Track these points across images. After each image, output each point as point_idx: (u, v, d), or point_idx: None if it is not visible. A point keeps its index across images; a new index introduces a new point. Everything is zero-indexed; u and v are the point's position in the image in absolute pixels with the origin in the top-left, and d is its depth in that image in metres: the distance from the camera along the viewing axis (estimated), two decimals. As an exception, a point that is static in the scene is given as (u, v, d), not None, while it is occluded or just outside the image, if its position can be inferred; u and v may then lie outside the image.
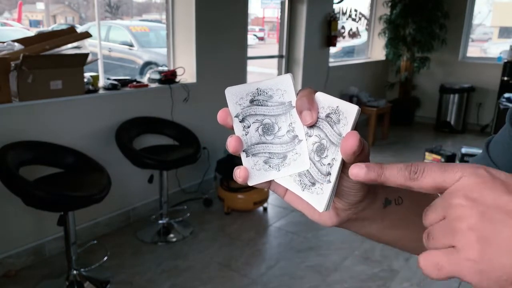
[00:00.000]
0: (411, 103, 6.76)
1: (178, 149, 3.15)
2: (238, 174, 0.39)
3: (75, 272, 2.45)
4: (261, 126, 0.39)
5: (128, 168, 2.95)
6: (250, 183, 0.40)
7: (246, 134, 0.39)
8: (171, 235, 3.11)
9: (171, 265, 2.73)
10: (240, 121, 0.39)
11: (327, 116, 0.36)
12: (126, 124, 3.00)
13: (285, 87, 0.38)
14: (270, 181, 0.40)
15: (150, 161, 2.82)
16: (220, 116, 0.40)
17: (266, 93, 0.39)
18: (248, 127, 0.39)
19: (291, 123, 0.38)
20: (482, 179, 0.29)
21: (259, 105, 0.39)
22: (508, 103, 4.63)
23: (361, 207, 0.42)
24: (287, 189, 0.41)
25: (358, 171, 0.33)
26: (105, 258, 2.75)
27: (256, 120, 0.39)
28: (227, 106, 0.40)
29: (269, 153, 0.39)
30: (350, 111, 0.35)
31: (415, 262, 2.82)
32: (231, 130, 0.40)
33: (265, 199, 3.51)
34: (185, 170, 3.44)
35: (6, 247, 2.58)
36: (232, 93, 0.39)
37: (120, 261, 2.75)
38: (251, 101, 0.39)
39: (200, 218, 3.41)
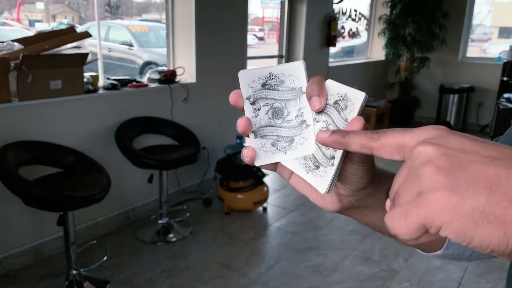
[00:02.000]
0: (411, 103, 6.76)
1: (177, 149, 3.15)
2: (246, 153, 0.41)
3: (74, 272, 2.45)
4: (271, 110, 0.40)
5: (127, 168, 2.95)
6: (257, 163, 0.41)
7: (256, 116, 0.40)
8: (171, 235, 3.11)
9: (170, 265, 2.73)
10: (251, 103, 0.40)
11: (335, 102, 0.37)
12: (126, 124, 3.00)
13: (297, 73, 0.39)
14: (276, 163, 0.41)
15: (149, 161, 2.82)
16: (232, 97, 0.41)
17: (278, 78, 0.40)
18: (259, 109, 0.40)
19: (300, 108, 0.39)
20: (443, 131, 0.29)
21: (271, 89, 0.40)
22: (507, 103, 4.63)
23: (363, 194, 0.43)
24: (292, 172, 0.42)
25: (323, 134, 0.35)
26: (105, 258, 2.75)
27: (267, 103, 0.40)
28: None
29: (277, 136, 0.40)
30: (357, 97, 0.36)
31: (415, 262, 2.82)
32: (235, 117, 0.41)
33: (264, 199, 3.51)
34: (184, 170, 3.44)
35: (6, 247, 2.57)
36: (245, 76, 0.40)
37: (119, 261, 2.75)
38: (263, 85, 0.40)
39: (199, 218, 3.41)
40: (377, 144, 0.32)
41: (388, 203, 0.31)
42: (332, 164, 0.38)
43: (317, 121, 0.39)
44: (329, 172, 0.38)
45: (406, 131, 0.31)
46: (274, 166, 0.42)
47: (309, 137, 0.40)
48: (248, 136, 0.41)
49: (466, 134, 0.29)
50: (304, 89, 0.39)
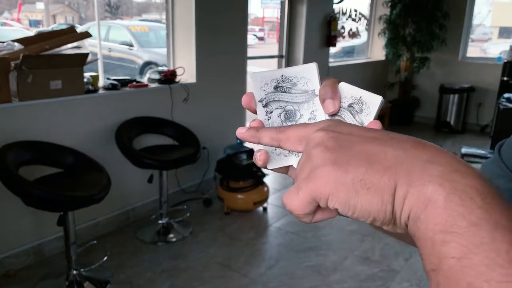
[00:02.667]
0: (411, 103, 6.76)
1: (178, 149, 3.15)
2: (259, 157, 0.40)
3: (75, 272, 2.45)
4: (284, 112, 0.40)
5: (128, 168, 2.95)
6: (270, 167, 0.41)
7: (268, 119, 0.40)
8: (171, 235, 3.11)
9: (171, 265, 2.73)
10: (264, 106, 0.40)
11: (350, 106, 0.37)
12: (126, 124, 3.00)
13: (310, 76, 0.39)
14: (288, 166, 0.41)
15: (149, 161, 2.82)
16: (245, 100, 0.41)
17: (291, 80, 0.40)
18: (271, 112, 0.40)
19: (313, 111, 0.39)
20: (337, 121, 0.34)
21: (283, 92, 0.40)
22: (508, 103, 4.63)
23: None
24: None
25: (240, 130, 0.38)
26: (105, 258, 2.75)
27: (279, 106, 0.40)
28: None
29: None
30: (373, 101, 0.36)
31: (415, 262, 2.82)
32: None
33: (265, 199, 3.51)
34: (185, 170, 3.44)
35: (6, 247, 2.58)
36: (258, 79, 0.40)
37: (120, 261, 2.75)
38: (275, 87, 0.40)
39: (200, 218, 3.41)
40: (283, 136, 0.35)
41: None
42: None
43: None
44: None
45: (307, 124, 0.35)
46: (286, 170, 0.42)
47: None
48: None
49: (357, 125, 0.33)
50: (317, 92, 0.39)
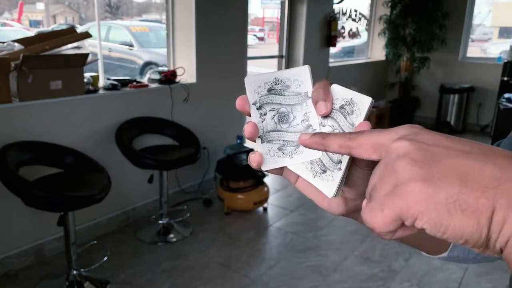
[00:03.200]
0: (411, 103, 6.76)
1: (178, 149, 3.15)
2: (253, 159, 0.41)
3: (75, 272, 2.46)
4: (277, 115, 0.40)
5: (128, 168, 2.95)
6: (264, 168, 0.41)
7: (262, 121, 0.41)
8: (171, 235, 3.11)
9: (171, 265, 2.73)
10: (257, 109, 0.41)
11: (341, 107, 0.38)
12: (126, 124, 3.00)
13: (302, 78, 0.39)
14: (283, 168, 0.42)
15: (150, 161, 2.82)
16: (239, 102, 0.41)
17: (284, 83, 0.40)
18: (265, 114, 0.41)
19: (306, 113, 0.40)
20: (419, 129, 0.30)
21: (276, 94, 0.40)
22: (508, 103, 4.63)
23: None
24: (298, 176, 0.43)
25: (304, 136, 0.36)
26: (105, 258, 2.75)
27: (273, 108, 0.40)
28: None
29: (283, 140, 0.41)
30: (363, 102, 0.36)
31: (415, 262, 2.82)
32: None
33: (265, 199, 3.51)
34: (185, 170, 3.44)
35: (6, 247, 2.58)
36: (251, 82, 0.40)
37: (120, 261, 2.75)
38: (269, 90, 0.40)
39: (200, 218, 3.41)
40: (354, 143, 0.32)
41: (364, 202, 0.31)
42: (339, 169, 0.38)
43: (323, 126, 0.39)
44: (336, 176, 0.38)
45: (383, 131, 0.32)
46: (280, 171, 0.42)
47: None
48: (255, 141, 0.42)
49: (440, 132, 0.30)
50: (309, 94, 0.39)
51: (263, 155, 0.41)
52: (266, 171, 0.42)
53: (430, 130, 0.30)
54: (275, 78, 0.40)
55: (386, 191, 0.28)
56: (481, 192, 0.25)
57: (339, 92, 0.38)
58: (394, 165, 0.28)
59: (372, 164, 0.39)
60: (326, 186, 0.39)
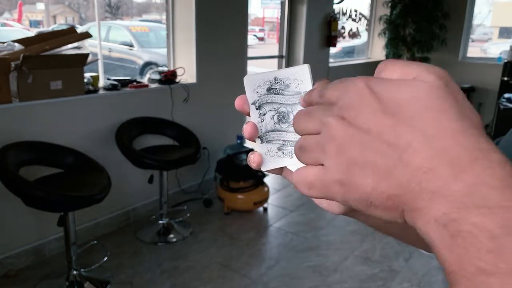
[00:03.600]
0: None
1: (178, 149, 3.15)
2: (253, 159, 0.41)
3: (75, 272, 2.46)
4: (277, 114, 0.40)
5: (128, 168, 2.95)
6: (264, 169, 0.41)
7: (261, 121, 0.40)
8: (171, 235, 3.11)
9: (171, 265, 2.73)
10: (257, 108, 0.40)
11: (268, 89, 0.39)
12: (126, 124, 3.00)
13: (302, 77, 0.39)
14: (282, 168, 0.42)
15: (150, 161, 2.82)
16: (238, 102, 0.41)
17: (283, 82, 0.40)
18: (264, 114, 0.40)
19: None
20: (366, 90, 0.28)
21: (276, 94, 0.40)
22: (508, 103, 4.63)
23: None
24: None
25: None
26: (105, 258, 2.75)
27: (272, 108, 0.40)
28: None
29: (283, 140, 0.40)
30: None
31: (415, 262, 2.82)
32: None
33: (265, 199, 3.51)
34: (185, 170, 3.44)
35: (6, 247, 2.58)
36: (250, 81, 0.40)
37: (120, 261, 2.75)
38: (268, 90, 0.40)
39: (200, 218, 3.41)
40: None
41: (297, 146, 0.34)
42: None
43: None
44: None
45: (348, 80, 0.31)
46: (280, 171, 0.42)
47: None
48: (254, 141, 0.41)
49: (386, 95, 0.27)
50: None
51: (262, 156, 0.41)
52: (265, 171, 0.42)
53: (377, 95, 0.27)
54: (275, 77, 0.40)
55: (314, 163, 0.31)
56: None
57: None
58: (323, 144, 0.30)
59: None
60: None
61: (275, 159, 0.41)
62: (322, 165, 0.30)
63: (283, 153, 0.40)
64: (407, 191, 0.26)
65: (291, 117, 0.40)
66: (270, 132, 0.41)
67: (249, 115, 0.41)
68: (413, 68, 0.28)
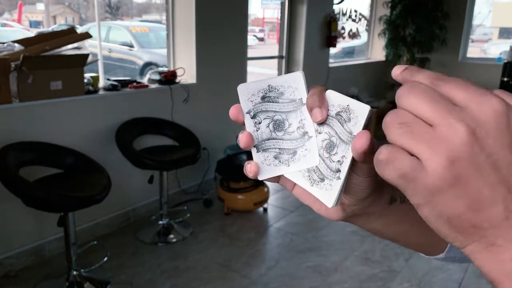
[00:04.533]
0: (411, 103, 6.74)
1: (178, 150, 3.15)
2: (249, 169, 0.40)
3: (75, 272, 2.46)
4: (272, 122, 0.40)
5: (128, 169, 2.95)
6: (260, 178, 0.41)
7: (257, 130, 0.40)
8: (171, 236, 3.11)
9: (171, 266, 2.73)
10: (252, 117, 0.40)
11: (337, 114, 0.37)
12: (126, 124, 3.00)
13: (296, 85, 0.39)
14: (279, 175, 0.41)
15: (150, 162, 2.82)
16: (232, 112, 0.40)
17: (277, 90, 0.39)
18: (259, 123, 0.40)
19: (301, 119, 0.39)
20: (502, 119, 0.26)
21: (270, 102, 0.39)
22: (508, 103, 4.63)
23: (367, 203, 0.43)
24: (295, 184, 0.42)
25: (397, 70, 0.33)
26: (105, 259, 2.75)
27: (267, 116, 0.40)
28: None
29: (279, 148, 0.40)
30: (361, 110, 0.35)
31: (415, 262, 2.82)
32: (240, 127, 0.41)
33: (265, 200, 3.51)
34: (185, 170, 3.44)
35: (6, 247, 2.58)
36: (244, 90, 0.40)
37: (120, 262, 2.75)
38: (263, 98, 0.39)
39: (200, 218, 3.41)
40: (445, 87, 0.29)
41: (393, 118, 0.30)
42: (339, 178, 0.37)
43: (320, 133, 0.38)
44: (336, 185, 0.38)
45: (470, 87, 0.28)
46: (277, 179, 0.42)
47: (312, 149, 0.39)
48: (250, 151, 0.41)
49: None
50: (304, 100, 0.38)
51: (259, 165, 0.40)
52: (263, 180, 0.41)
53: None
54: (269, 85, 0.39)
55: (411, 150, 0.28)
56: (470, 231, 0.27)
57: (335, 98, 0.37)
58: (436, 140, 0.27)
59: (371, 172, 0.38)
60: (325, 195, 0.38)
61: (272, 167, 0.40)
62: (417, 157, 0.27)
63: (279, 161, 0.40)
64: (495, 227, 0.26)
65: (287, 124, 0.39)
66: (266, 141, 0.40)
67: (244, 124, 0.40)
68: None
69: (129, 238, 3.07)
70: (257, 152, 0.41)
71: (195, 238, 3.11)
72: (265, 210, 3.61)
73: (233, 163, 3.46)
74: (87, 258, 2.74)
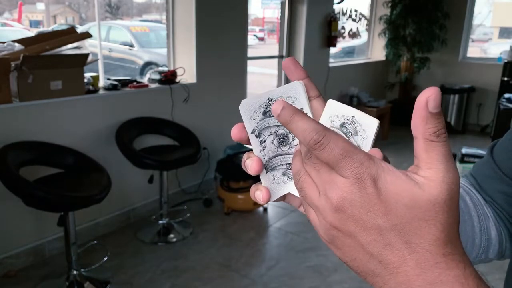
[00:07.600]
0: (411, 103, 6.66)
1: (178, 150, 3.15)
2: (262, 198, 0.39)
3: (75, 272, 2.46)
4: (276, 138, 0.39)
5: (128, 169, 2.95)
6: (272, 200, 0.40)
7: (263, 149, 0.39)
8: (171, 236, 3.11)
9: (171, 266, 2.73)
10: (257, 137, 0.39)
11: (342, 125, 0.35)
12: (126, 124, 3.00)
13: (296, 95, 0.38)
14: (285, 194, 0.40)
15: (150, 161, 2.82)
16: (234, 133, 0.39)
17: None
18: (265, 141, 0.39)
19: None
20: (365, 191, 0.30)
21: (272, 116, 0.38)
22: (508, 103, 4.63)
23: None
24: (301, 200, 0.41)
25: (276, 107, 0.33)
26: (105, 259, 2.75)
27: (271, 132, 0.39)
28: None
29: (286, 164, 0.39)
30: (369, 124, 0.34)
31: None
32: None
33: (265, 200, 3.51)
34: (185, 170, 3.44)
35: (6, 247, 2.58)
36: (246, 108, 0.38)
37: (120, 262, 2.75)
38: (264, 113, 0.38)
39: (200, 218, 3.41)
40: (318, 154, 0.33)
41: (309, 144, 0.33)
42: None
43: None
44: None
45: (345, 158, 0.31)
46: (283, 197, 0.41)
47: None
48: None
49: (387, 197, 0.30)
50: (305, 110, 0.37)
51: (268, 187, 0.39)
52: (274, 201, 0.40)
53: (377, 198, 0.30)
54: (269, 99, 0.38)
55: (317, 183, 0.33)
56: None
57: (338, 108, 0.35)
58: (327, 192, 0.32)
59: None
60: None
61: (281, 185, 0.40)
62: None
63: (288, 177, 0.39)
64: (379, 276, 0.31)
65: (291, 138, 0.38)
66: (273, 159, 0.39)
67: (247, 143, 0.39)
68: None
69: (129, 238, 3.07)
70: (266, 173, 0.40)
71: (195, 238, 3.11)
72: (265, 210, 3.61)
73: (233, 163, 3.46)
74: (87, 258, 2.74)
